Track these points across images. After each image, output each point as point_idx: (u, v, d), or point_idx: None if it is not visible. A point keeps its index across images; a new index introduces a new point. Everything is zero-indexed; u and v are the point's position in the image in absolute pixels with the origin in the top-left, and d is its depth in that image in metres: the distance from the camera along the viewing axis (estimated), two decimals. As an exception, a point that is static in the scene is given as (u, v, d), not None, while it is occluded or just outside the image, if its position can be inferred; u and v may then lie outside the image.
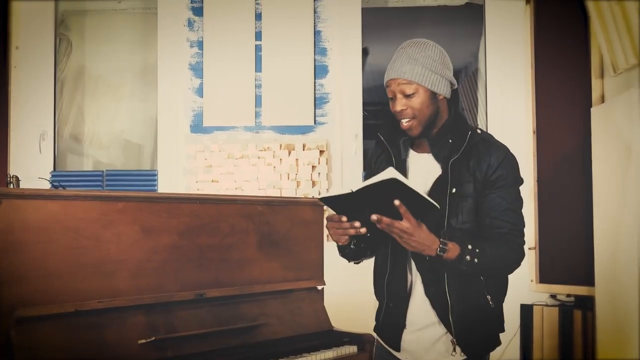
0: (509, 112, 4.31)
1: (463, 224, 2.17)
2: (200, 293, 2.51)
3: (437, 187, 2.19)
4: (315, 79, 4.31)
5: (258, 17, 4.33)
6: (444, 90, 2.22)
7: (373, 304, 3.93)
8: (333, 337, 2.85)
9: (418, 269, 2.22)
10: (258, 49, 4.32)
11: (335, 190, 2.13)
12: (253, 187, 4.17)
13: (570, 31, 3.97)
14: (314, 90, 4.30)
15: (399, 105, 2.19)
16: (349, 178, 4.29)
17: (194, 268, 2.53)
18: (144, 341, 2.25)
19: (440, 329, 2.21)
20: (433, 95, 2.20)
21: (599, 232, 3.55)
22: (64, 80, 4.67)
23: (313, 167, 4.20)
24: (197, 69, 4.33)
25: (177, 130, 4.32)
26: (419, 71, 2.17)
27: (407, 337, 2.26)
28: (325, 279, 3.00)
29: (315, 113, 4.29)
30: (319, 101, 4.31)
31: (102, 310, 2.23)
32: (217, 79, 4.31)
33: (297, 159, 4.20)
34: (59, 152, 4.58)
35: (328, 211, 2.20)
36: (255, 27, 4.33)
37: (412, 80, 2.17)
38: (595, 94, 3.85)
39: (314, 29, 4.33)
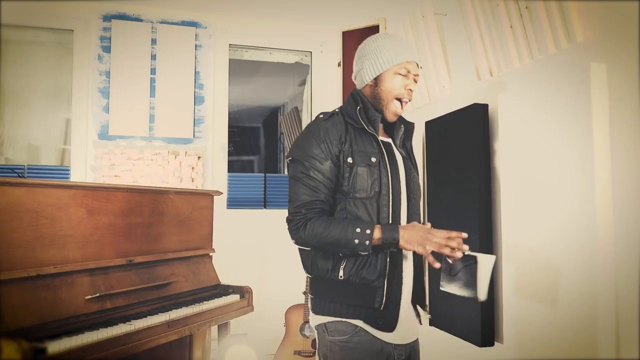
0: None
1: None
2: (130, 259, 2.29)
3: (410, 171, 1.66)
4: (194, 105, 4.11)
5: (153, 57, 4.03)
6: None
7: (246, 265, 3.82)
8: (221, 289, 2.76)
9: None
10: (152, 80, 4.03)
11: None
12: (147, 182, 3.88)
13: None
14: (194, 114, 4.10)
15: (413, 85, 1.63)
16: (218, 175, 4.15)
17: (125, 240, 2.31)
18: (90, 296, 2.02)
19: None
20: None
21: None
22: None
23: (192, 168, 4.00)
24: (105, 92, 3.93)
25: (87, 137, 3.90)
26: None
27: (401, 314, 1.56)
28: (214, 247, 2.88)
29: (194, 130, 4.09)
30: (197, 121, 4.11)
31: (56, 274, 1.95)
32: (120, 100, 3.95)
33: (180, 162, 3.98)
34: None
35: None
36: (151, 65, 4.03)
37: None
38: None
39: (195, 69, 4.13)
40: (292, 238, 1.54)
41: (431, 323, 3.00)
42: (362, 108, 1.61)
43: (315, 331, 1.61)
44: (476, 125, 2.65)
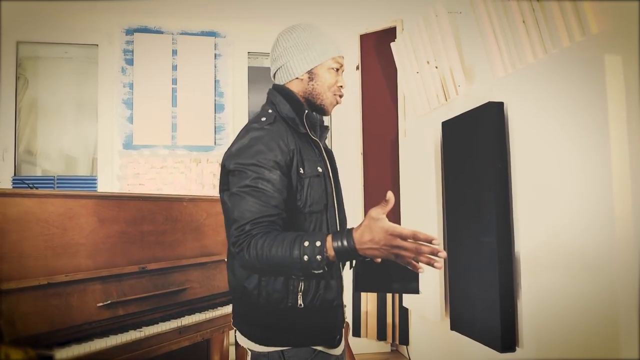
0: (345, 140, 4.34)
1: None
2: (142, 266, 2.29)
3: (337, 171, 1.51)
4: (215, 113, 4.13)
5: (174, 67, 4.08)
6: None
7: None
8: (237, 295, 2.73)
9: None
10: (174, 90, 4.07)
11: None
12: (170, 189, 3.92)
13: (386, 88, 4.08)
14: (215, 122, 4.12)
15: (344, 82, 1.45)
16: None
17: (137, 248, 2.31)
18: (101, 304, 2.01)
19: None
20: None
21: (405, 217, 3.64)
22: (22, 108, 4.13)
23: (214, 174, 4.01)
24: (129, 104, 3.99)
25: (112, 147, 3.96)
26: None
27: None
28: (230, 253, 2.86)
29: (215, 137, 4.11)
30: (218, 129, 4.13)
31: (68, 282, 1.96)
32: (143, 111, 4.00)
33: (202, 169, 4.00)
34: (18, 162, 4.06)
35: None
36: (172, 75, 4.08)
37: None
38: (401, 129, 3.98)
39: (215, 78, 4.15)
40: (239, 263, 1.24)
41: (452, 327, 2.89)
42: (308, 113, 1.40)
43: (265, 357, 1.32)
44: (492, 123, 2.55)
